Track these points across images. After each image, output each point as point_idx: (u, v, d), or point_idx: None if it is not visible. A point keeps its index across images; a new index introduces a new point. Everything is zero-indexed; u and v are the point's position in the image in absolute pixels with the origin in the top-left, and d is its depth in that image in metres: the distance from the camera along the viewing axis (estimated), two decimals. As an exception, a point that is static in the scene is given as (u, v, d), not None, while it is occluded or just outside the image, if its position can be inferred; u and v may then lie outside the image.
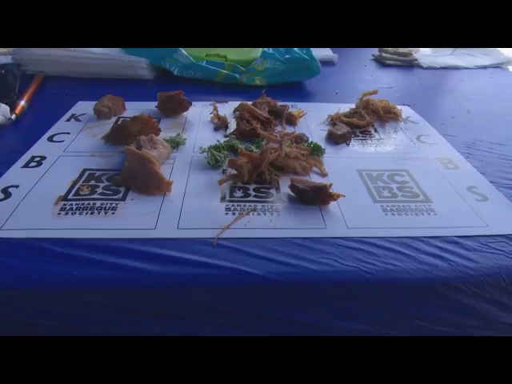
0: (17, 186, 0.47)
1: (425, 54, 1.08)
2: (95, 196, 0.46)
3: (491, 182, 0.52)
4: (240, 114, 0.64)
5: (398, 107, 0.71)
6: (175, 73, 0.82)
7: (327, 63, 0.98)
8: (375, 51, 1.08)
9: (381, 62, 1.04)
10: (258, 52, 0.85)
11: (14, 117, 0.63)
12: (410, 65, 1.03)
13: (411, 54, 1.04)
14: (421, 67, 1.02)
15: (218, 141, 0.57)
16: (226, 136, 0.61)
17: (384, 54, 1.04)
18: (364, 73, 0.98)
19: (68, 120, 0.65)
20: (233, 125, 0.64)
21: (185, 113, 0.67)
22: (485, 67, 1.03)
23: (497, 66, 1.04)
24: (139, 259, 0.38)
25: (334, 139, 0.61)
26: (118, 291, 0.37)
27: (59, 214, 0.43)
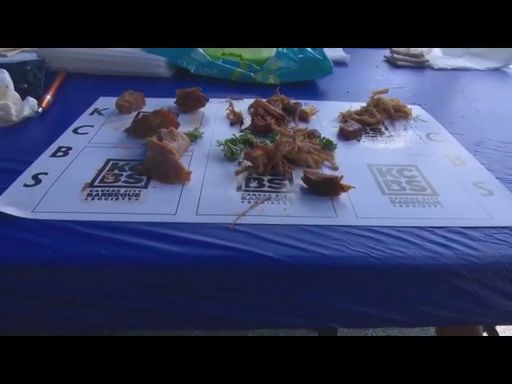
0: (46, 173, 0.50)
1: (436, 56, 1.09)
2: (119, 184, 0.49)
3: (497, 178, 0.54)
4: (255, 110, 0.67)
5: (409, 106, 0.73)
6: (192, 71, 0.85)
7: (339, 63, 1.00)
8: (387, 52, 1.10)
9: (392, 63, 1.06)
10: (272, 51, 0.87)
11: (40, 110, 0.67)
12: (422, 66, 1.05)
13: (423, 55, 1.06)
14: (432, 68, 1.04)
15: (233, 135, 0.59)
16: (241, 131, 0.64)
17: (396, 55, 1.06)
18: (375, 73, 1.00)
19: (91, 114, 0.68)
20: (247, 121, 0.67)
21: (202, 109, 0.70)
22: (496, 69, 1.04)
23: (508, 67, 1.05)
24: (161, 241, 0.40)
25: (345, 135, 0.63)
26: (141, 269, 0.39)
27: (86, 199, 0.46)
